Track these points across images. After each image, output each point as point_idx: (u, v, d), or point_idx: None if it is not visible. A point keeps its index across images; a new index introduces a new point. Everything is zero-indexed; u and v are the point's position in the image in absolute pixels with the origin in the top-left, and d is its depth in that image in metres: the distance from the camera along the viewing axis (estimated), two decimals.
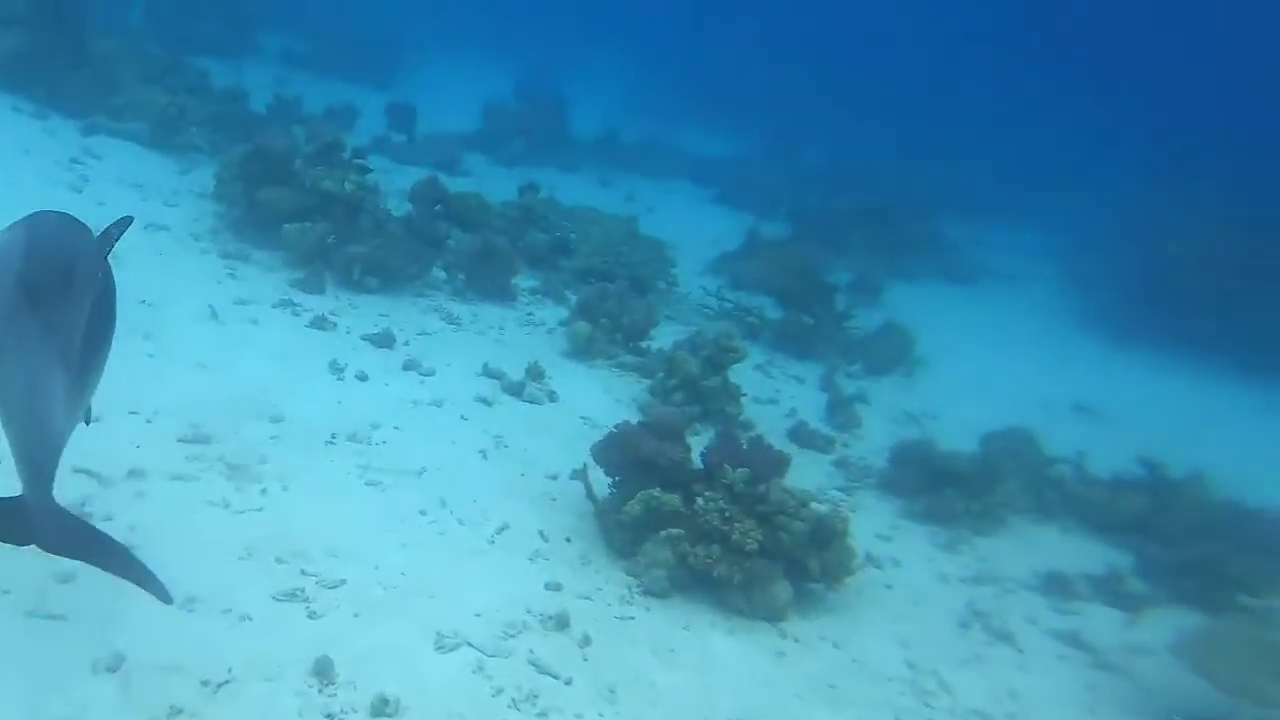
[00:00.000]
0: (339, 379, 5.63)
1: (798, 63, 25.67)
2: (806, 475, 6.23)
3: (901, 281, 11.95)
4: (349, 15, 17.00)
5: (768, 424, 6.90)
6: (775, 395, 7.62)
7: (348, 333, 6.27)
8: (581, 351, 7.11)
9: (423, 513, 4.53)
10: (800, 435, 6.80)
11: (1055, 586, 5.15)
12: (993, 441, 6.51)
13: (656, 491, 4.75)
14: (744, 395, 6.86)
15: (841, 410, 7.35)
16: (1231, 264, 11.36)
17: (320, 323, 6.24)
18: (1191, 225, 12.54)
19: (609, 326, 7.18)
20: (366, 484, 4.64)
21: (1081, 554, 5.56)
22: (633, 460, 4.97)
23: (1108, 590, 5.18)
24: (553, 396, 6.37)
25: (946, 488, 5.81)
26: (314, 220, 6.83)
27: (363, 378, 5.72)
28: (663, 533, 4.58)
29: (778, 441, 6.64)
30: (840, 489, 6.11)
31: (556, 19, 26.30)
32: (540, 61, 18.75)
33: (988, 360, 9.66)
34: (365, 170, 7.38)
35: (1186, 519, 5.50)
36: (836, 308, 8.87)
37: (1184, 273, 11.64)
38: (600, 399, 6.53)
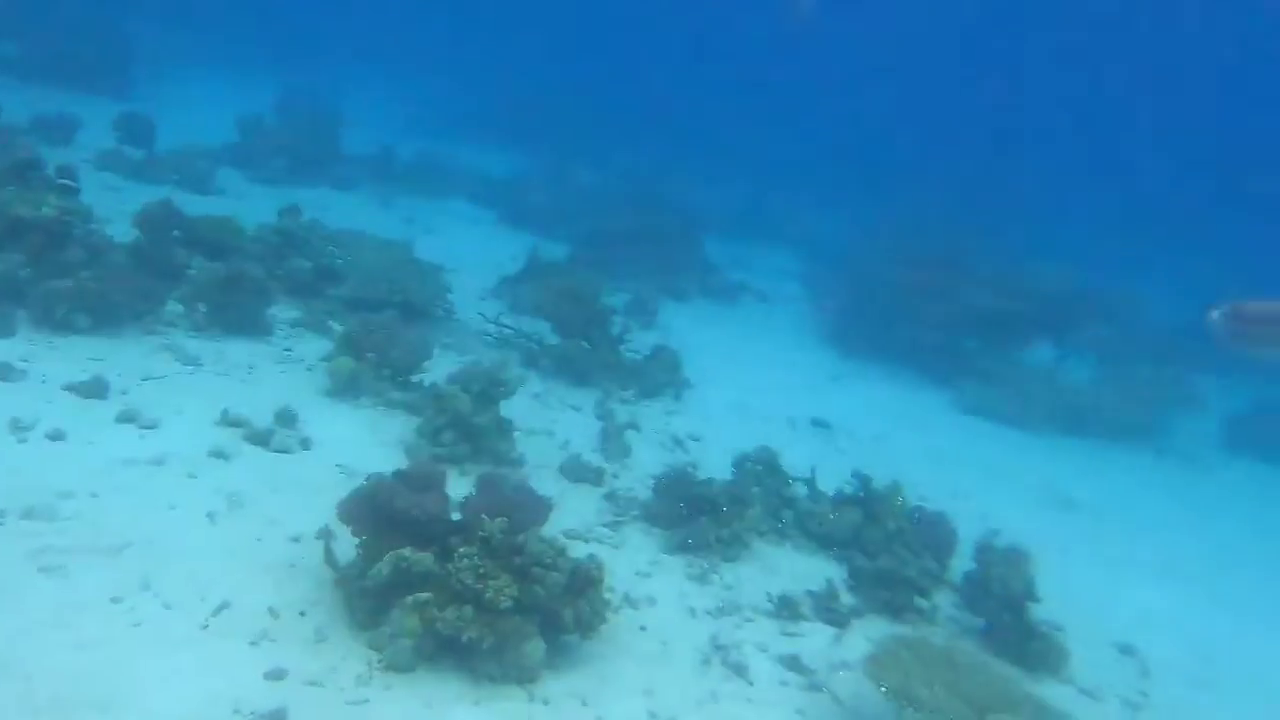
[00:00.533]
0: (20, 440, 4.58)
1: (574, 81, 25.84)
2: (577, 512, 5.98)
3: (674, 301, 12.16)
4: (72, 15, 14.69)
5: (541, 457, 6.57)
6: (551, 426, 7.30)
7: (43, 382, 5.17)
8: (345, 390, 6.40)
9: (115, 600, 3.72)
10: (572, 469, 6.53)
11: (785, 609, 5.21)
12: (743, 465, 6.59)
13: (407, 551, 4.24)
14: (517, 431, 6.49)
15: (614, 439, 7.17)
16: (917, 284, 12.27)
17: (4, 372, 5.09)
18: (894, 244, 13.63)
19: (376, 361, 6.51)
20: (40, 571, 3.74)
21: (812, 572, 5.70)
22: (384, 517, 4.43)
23: (825, 607, 5.31)
24: (306, 444, 5.64)
25: (702, 516, 5.76)
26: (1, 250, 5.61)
27: (56, 437, 4.70)
28: (410, 598, 4.09)
29: (550, 477, 6.38)
30: (607, 525, 5.89)
31: (327, 36, 24.67)
32: (309, 77, 17.36)
33: (746, 379, 9.94)
34: (71, 191, 6.20)
35: (887, 528, 5.81)
36: (613, 331, 8.73)
37: (887, 290, 12.41)
38: (363, 443, 5.88)
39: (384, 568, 4.13)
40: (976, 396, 10.20)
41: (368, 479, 4.45)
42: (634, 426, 7.60)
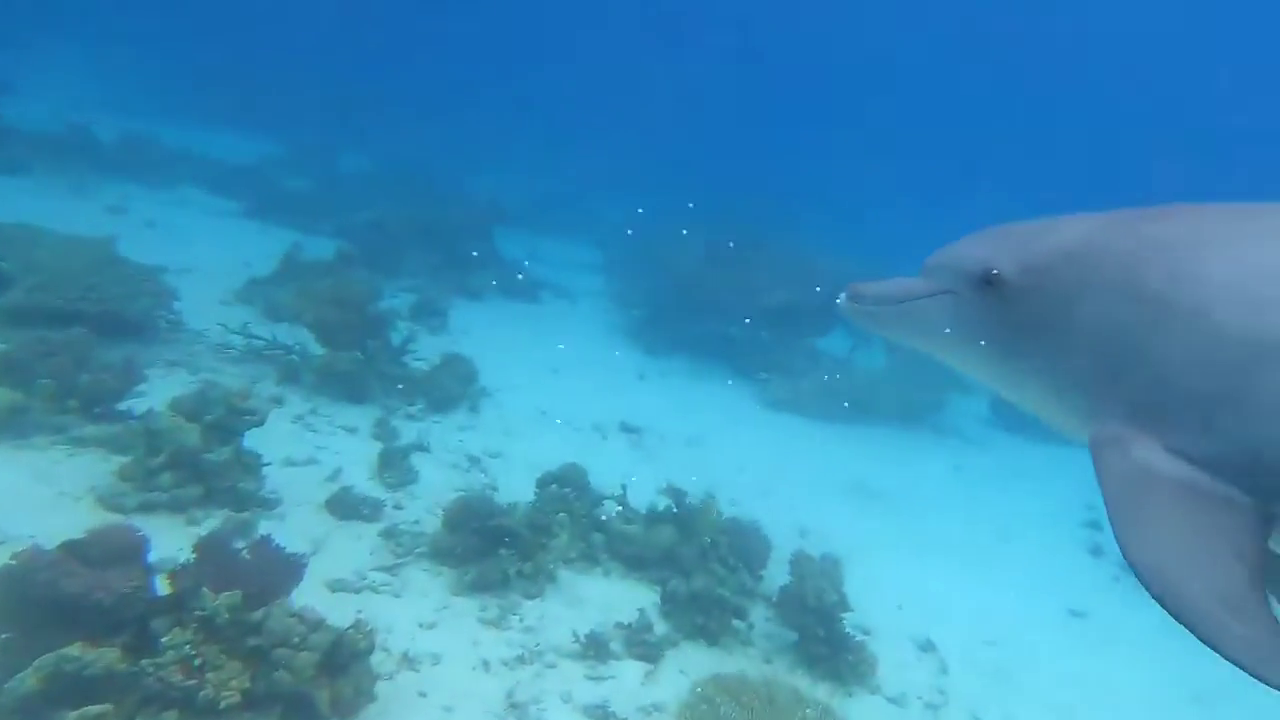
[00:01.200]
0: None
1: (322, 54, 23.89)
2: (347, 556, 5.04)
3: (467, 301, 11.27)
4: None
5: (302, 493, 5.53)
6: (317, 454, 6.23)
7: None
8: (4, 428, 4.96)
9: None
10: (342, 504, 5.54)
11: (592, 649, 4.66)
12: (547, 484, 5.93)
13: (76, 649, 3.16)
14: (269, 464, 5.39)
15: (396, 464, 6.24)
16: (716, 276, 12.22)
17: None
18: (693, 234, 13.45)
19: (55, 390, 5.12)
20: None
21: (625, 600, 5.20)
22: (47, 606, 3.29)
23: (636, 641, 4.82)
24: None
25: (499, 549, 5.04)
26: None
27: None
28: (74, 715, 3.02)
29: (312, 515, 5.36)
30: (385, 568, 5.00)
31: None
32: None
33: (550, 383, 9.33)
34: None
35: (701, 543, 5.44)
36: (395, 338, 7.72)
37: (688, 282, 12.30)
38: (31, 497, 4.55)
39: (31, 680, 3.02)
40: (779, 390, 10.29)
41: (15, 557, 3.28)
42: (422, 447, 6.71)
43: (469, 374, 8.05)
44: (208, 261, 8.64)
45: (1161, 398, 1.69)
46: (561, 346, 10.54)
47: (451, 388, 7.80)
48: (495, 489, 6.40)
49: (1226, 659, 1.42)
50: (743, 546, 5.57)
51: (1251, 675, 1.42)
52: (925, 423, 10.71)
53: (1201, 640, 1.45)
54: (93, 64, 19.13)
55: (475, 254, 12.36)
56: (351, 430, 6.78)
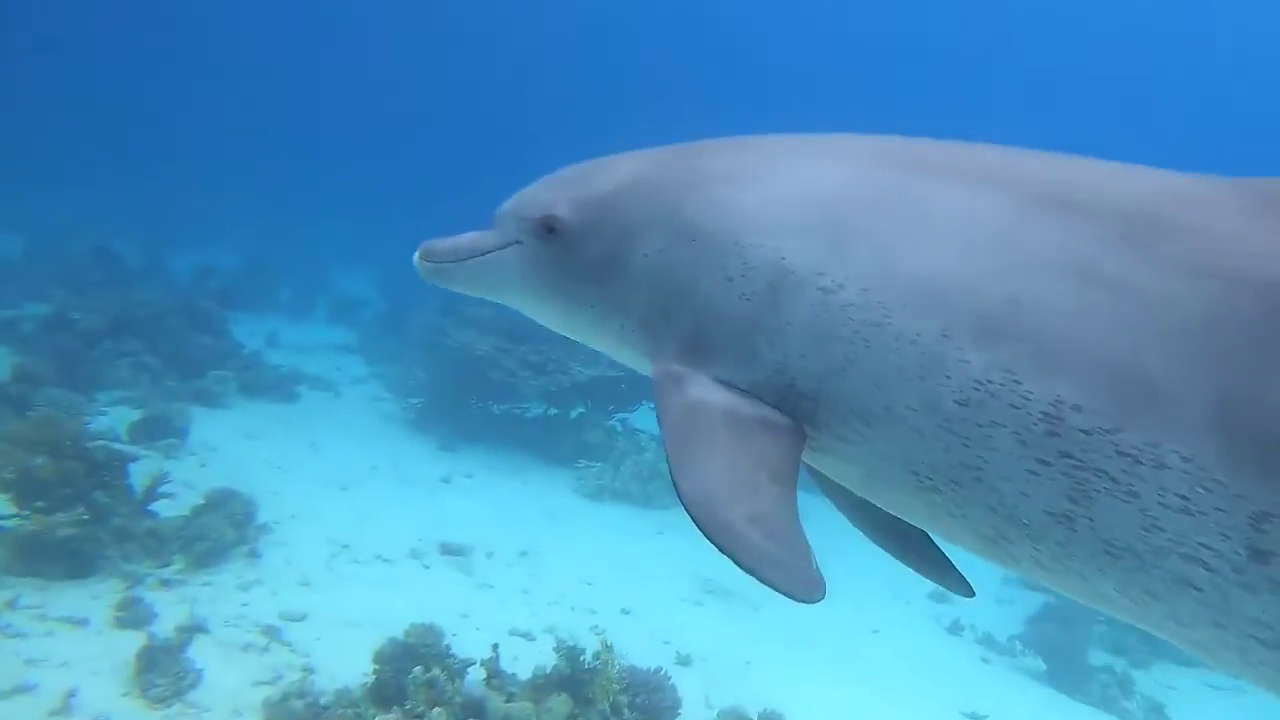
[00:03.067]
0: None
1: None
2: None
3: (205, 409, 9.25)
4: None
5: None
6: (30, 673, 4.39)
7: None
8: None
9: None
10: None
11: None
12: (389, 658, 4.66)
13: None
14: None
15: (162, 662, 4.58)
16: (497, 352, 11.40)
17: None
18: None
19: None
20: None
21: None
22: None
23: None
24: None
25: None
26: None
27: None
28: None
29: None
30: None
31: None
32: None
33: (340, 503, 7.84)
34: None
35: (601, 711, 4.58)
36: (135, 481, 5.88)
37: (467, 361, 11.15)
38: None
39: None
40: (599, 478, 9.63)
41: None
42: (197, 628, 5.04)
43: (239, 509, 6.38)
44: None
45: (707, 330, 1.77)
46: (341, 451, 8.98)
47: (219, 533, 6.10)
48: (312, 671, 4.99)
49: (761, 581, 1.48)
50: (649, 706, 4.78)
51: (782, 594, 1.48)
52: None
53: (738, 565, 1.50)
54: None
55: (203, 347, 10.32)
56: (80, 622, 4.94)
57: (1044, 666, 7.78)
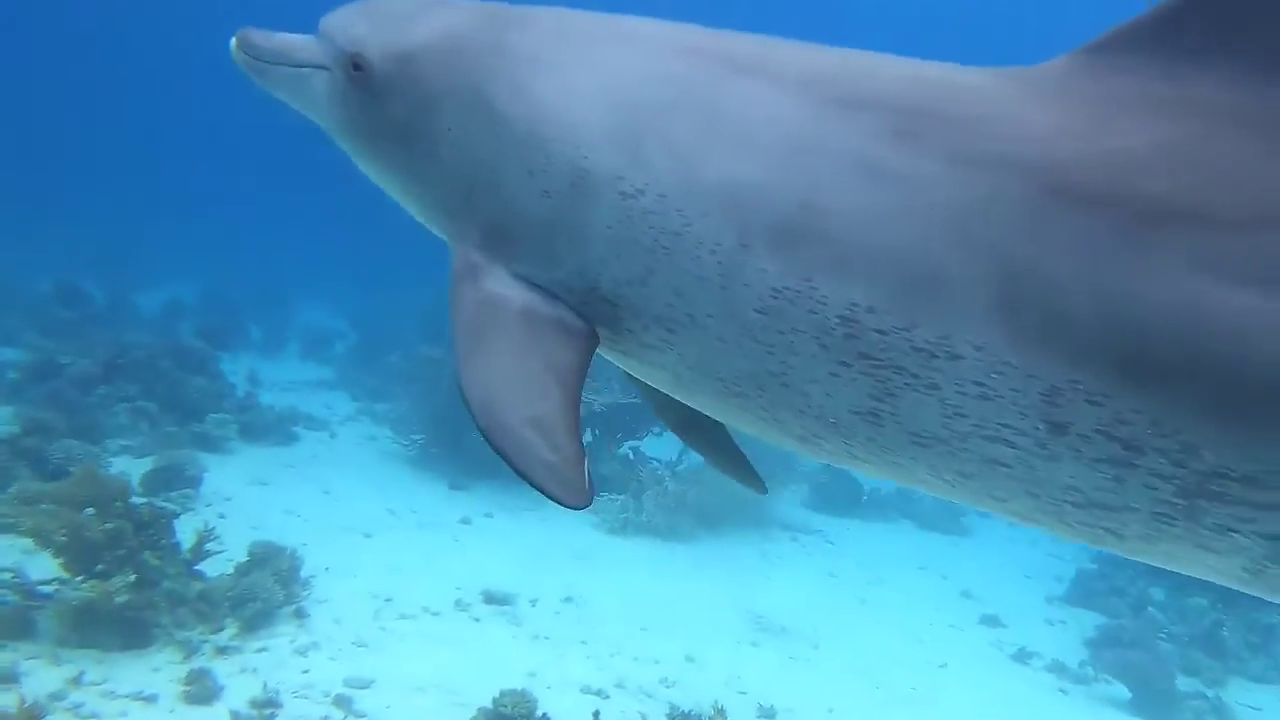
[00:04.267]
0: None
1: None
2: None
3: (209, 456, 8.87)
4: None
5: None
6: None
7: None
8: None
9: None
10: None
11: None
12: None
13: None
14: None
15: None
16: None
17: None
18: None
19: None
20: None
21: None
22: None
23: None
24: None
25: None
26: None
27: None
28: None
29: None
30: None
31: None
32: None
33: (369, 554, 7.59)
34: None
35: None
36: (183, 537, 5.59)
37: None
38: None
39: None
40: (622, 511, 9.51)
41: None
42: (270, 702, 4.79)
43: (288, 566, 6.12)
44: None
45: (508, 222, 1.72)
46: (355, 498, 8.68)
47: (268, 592, 5.84)
48: None
49: (533, 486, 1.50)
50: None
51: (552, 499, 1.51)
52: (773, 521, 10.57)
53: (512, 468, 1.51)
54: None
55: (199, 390, 9.91)
56: (150, 699, 4.66)
57: (1128, 694, 7.60)
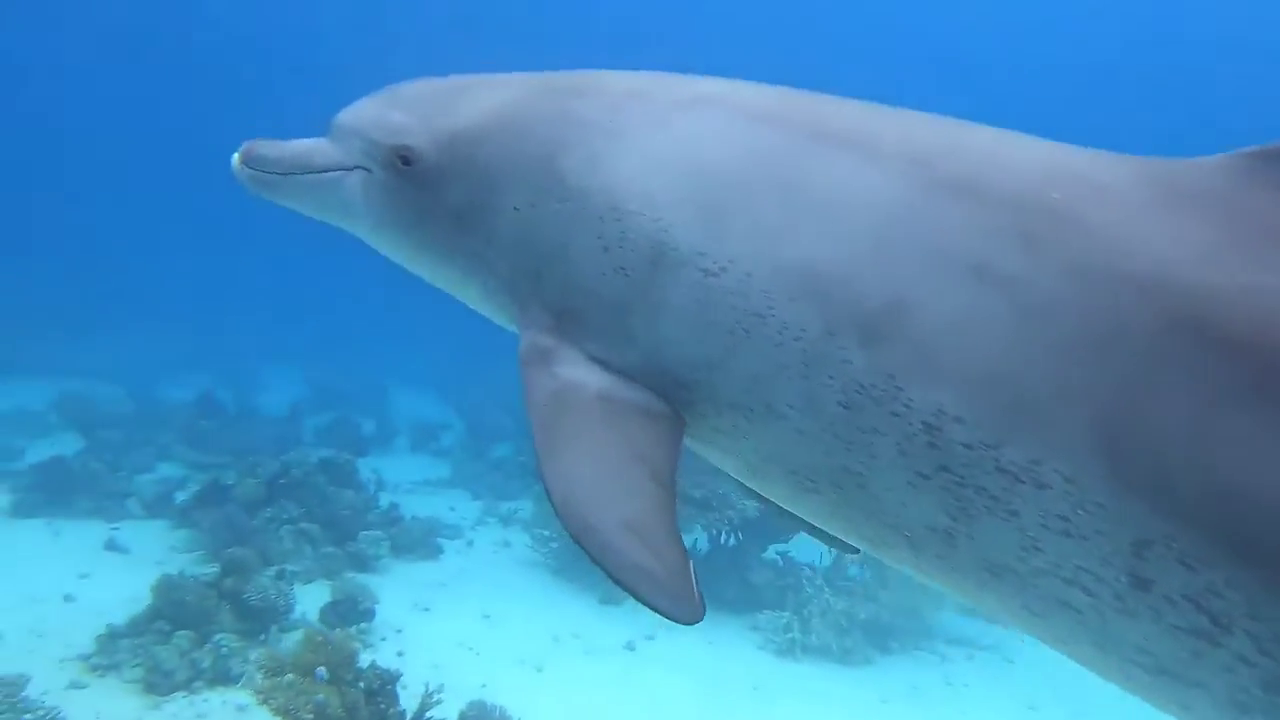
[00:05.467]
0: None
1: None
2: None
3: (364, 575, 8.76)
4: None
5: None
6: None
7: None
8: None
9: None
10: None
11: None
12: None
13: None
14: None
15: None
16: None
17: None
18: None
19: None
20: None
21: None
22: None
23: None
24: None
25: None
26: None
27: None
28: None
29: None
30: None
31: None
32: None
33: (547, 695, 7.27)
34: None
35: None
36: (400, 707, 5.37)
37: None
38: None
39: None
40: (787, 629, 9.03)
41: None
42: None
43: None
44: (30, 620, 5.48)
45: (581, 302, 1.61)
46: (516, 620, 8.43)
47: None
48: None
49: (638, 599, 1.38)
50: None
51: (656, 612, 1.37)
52: (939, 633, 9.86)
53: (609, 575, 1.38)
54: None
55: (346, 505, 9.87)
56: None
57: None
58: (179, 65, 35.88)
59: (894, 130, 1.53)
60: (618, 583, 1.39)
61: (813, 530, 2.00)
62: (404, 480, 13.78)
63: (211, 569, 6.66)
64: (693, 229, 1.52)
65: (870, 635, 9.21)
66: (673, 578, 1.40)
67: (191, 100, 34.86)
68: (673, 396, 1.57)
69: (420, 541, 10.16)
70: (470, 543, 11.21)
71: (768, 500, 1.92)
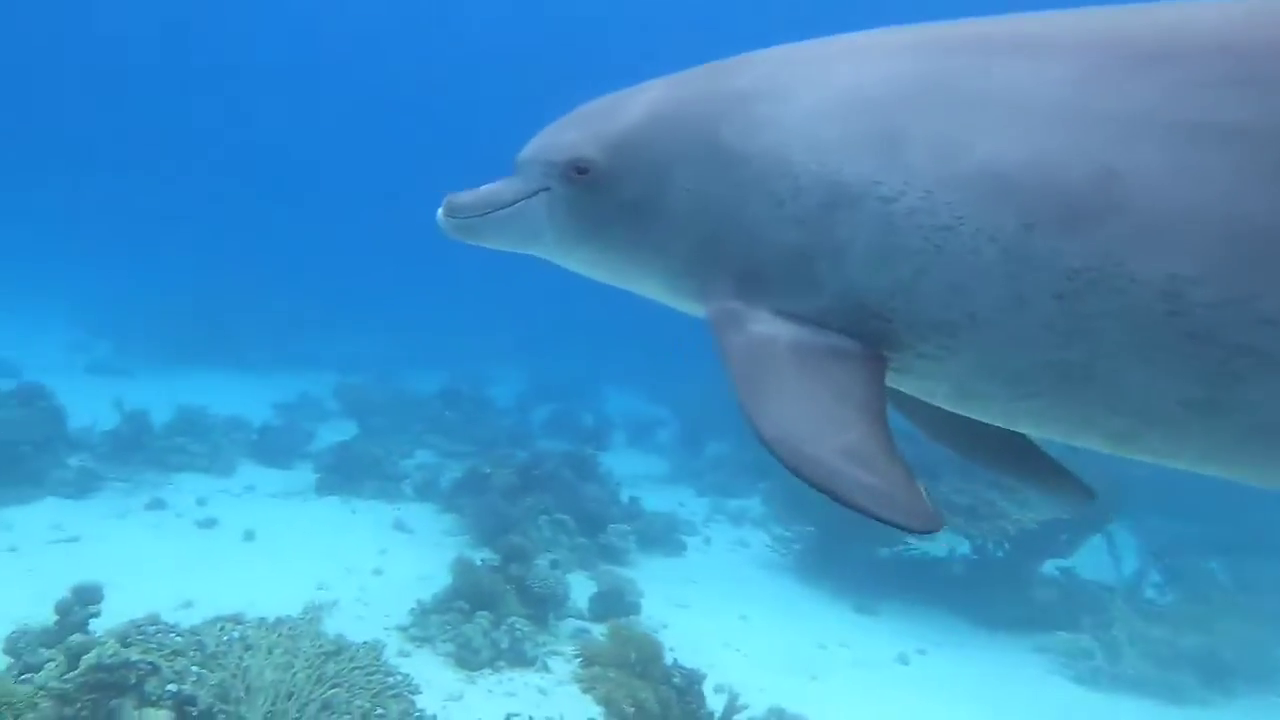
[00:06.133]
0: None
1: None
2: None
3: (614, 567, 8.65)
4: None
5: None
6: None
7: None
8: None
9: None
10: None
11: None
12: None
13: None
14: None
15: None
16: None
17: None
18: None
19: None
20: None
21: None
22: None
23: None
24: None
25: None
26: None
27: None
28: None
29: None
30: None
31: None
32: None
33: (833, 704, 6.75)
34: None
35: None
36: (708, 708, 5.08)
37: None
38: None
39: None
40: (1085, 658, 7.99)
41: None
42: None
43: None
44: (355, 590, 5.78)
45: (760, 261, 1.68)
46: (759, 619, 7.99)
47: None
48: None
49: (864, 514, 1.40)
50: None
51: (889, 525, 1.40)
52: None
53: (836, 500, 1.42)
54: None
55: (592, 497, 9.86)
56: None
57: None
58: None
59: (1065, 27, 1.51)
60: (849, 505, 1.40)
61: (1031, 477, 1.94)
62: (629, 474, 13.83)
63: (486, 554, 6.77)
64: (864, 163, 1.55)
65: (1204, 672, 7.91)
66: (904, 492, 1.42)
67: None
68: (870, 331, 1.59)
69: (663, 536, 9.99)
70: (708, 540, 10.94)
71: (967, 445, 1.91)
